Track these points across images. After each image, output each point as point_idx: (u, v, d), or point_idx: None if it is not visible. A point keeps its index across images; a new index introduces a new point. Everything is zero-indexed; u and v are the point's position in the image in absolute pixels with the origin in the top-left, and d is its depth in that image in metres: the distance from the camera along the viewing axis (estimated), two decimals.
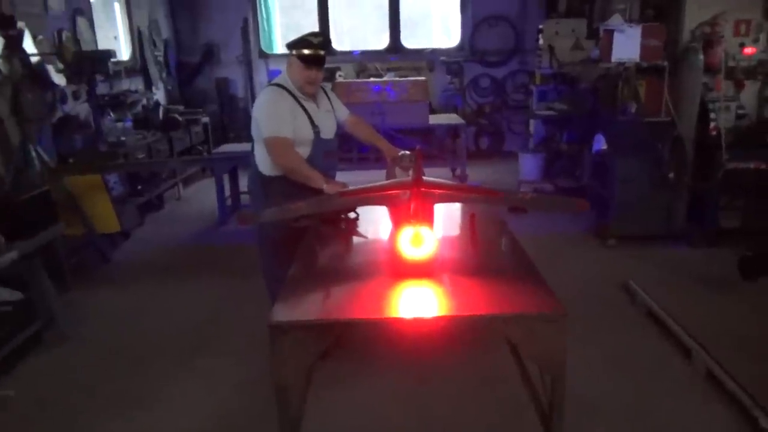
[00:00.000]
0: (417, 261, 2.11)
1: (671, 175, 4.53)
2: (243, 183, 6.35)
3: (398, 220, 2.22)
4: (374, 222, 2.98)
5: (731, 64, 4.57)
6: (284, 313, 1.90)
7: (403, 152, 3.00)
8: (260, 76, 8.55)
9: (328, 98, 3.09)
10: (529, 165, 6.85)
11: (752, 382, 2.68)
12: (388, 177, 3.09)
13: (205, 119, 7.71)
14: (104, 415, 2.78)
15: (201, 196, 7.07)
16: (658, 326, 3.39)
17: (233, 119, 8.63)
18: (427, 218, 2.06)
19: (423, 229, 2.07)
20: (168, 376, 3.11)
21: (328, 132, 3.00)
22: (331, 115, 3.06)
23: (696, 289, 3.90)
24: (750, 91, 4.73)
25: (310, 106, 2.91)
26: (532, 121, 7.45)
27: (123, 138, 5.55)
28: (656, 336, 3.31)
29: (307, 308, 1.95)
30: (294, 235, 2.89)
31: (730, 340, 3.13)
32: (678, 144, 4.49)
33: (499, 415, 2.67)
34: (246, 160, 6.02)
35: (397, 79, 6.90)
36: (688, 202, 4.70)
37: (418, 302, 2.00)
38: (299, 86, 2.86)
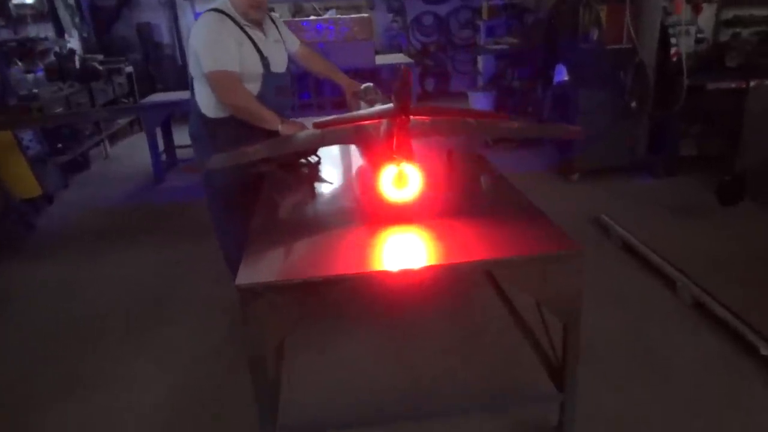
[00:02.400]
0: (401, 204, 1.83)
1: (633, 104, 4.39)
2: (177, 136, 5.83)
3: (375, 158, 1.92)
4: (335, 164, 2.67)
5: None
6: (255, 273, 1.58)
7: (366, 85, 2.67)
8: (187, 20, 7.84)
9: (276, 27, 2.69)
10: (479, 104, 6.61)
11: (741, 307, 2.58)
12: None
13: (129, 68, 7.02)
14: (54, 400, 2.43)
15: (131, 153, 6.48)
16: (637, 259, 3.27)
17: (160, 68, 7.93)
18: (411, 153, 1.76)
19: (408, 167, 1.78)
20: (120, 353, 2.74)
21: (279, 65, 2.61)
22: (281, 45, 2.67)
23: (666, 218, 3.81)
24: (707, 14, 4.60)
25: (256, 34, 2.51)
26: (480, 59, 7.17)
27: (35, 90, 4.91)
28: (636, 268, 3.19)
29: (282, 266, 1.64)
30: (248, 184, 2.55)
31: (711, 266, 3.03)
32: (640, 71, 4.33)
33: (490, 365, 2.48)
34: (181, 108, 5.61)
35: (340, 16, 6.41)
36: (649, 131, 4.59)
37: (410, 251, 1.73)
38: (243, 11, 2.44)
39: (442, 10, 8.40)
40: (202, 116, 2.55)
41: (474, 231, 1.76)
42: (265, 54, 2.51)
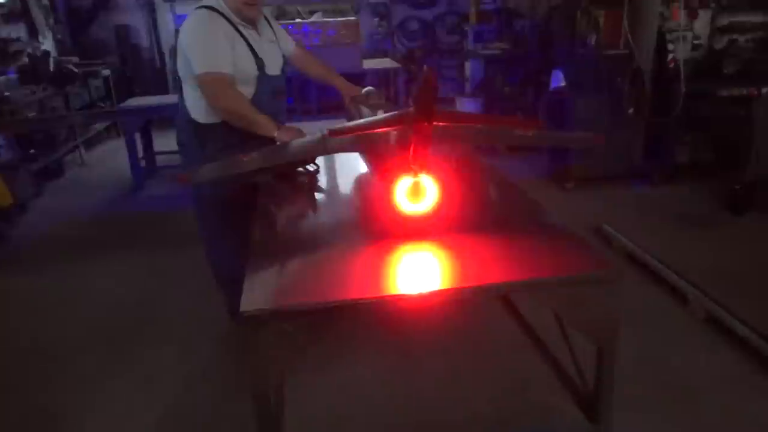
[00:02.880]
0: (416, 218, 1.67)
1: (631, 110, 4.30)
2: (158, 141, 5.60)
3: (386, 167, 1.75)
4: (335, 174, 2.51)
5: None
6: (261, 298, 1.41)
7: (367, 88, 2.51)
8: (166, 22, 7.61)
9: (271, 26, 2.52)
10: (468, 109, 6.48)
11: (756, 321, 2.47)
12: (349, 121, 2.59)
13: (106, 72, 6.74)
14: None
15: (108, 159, 6.22)
16: (642, 270, 3.15)
17: (138, 71, 7.67)
18: (430, 163, 1.60)
19: (425, 178, 1.62)
20: (97, 379, 2.52)
21: (274, 67, 2.44)
22: (276, 46, 2.50)
23: (669, 228, 3.71)
24: (703, 20, 4.54)
25: (250, 34, 2.33)
26: (467, 64, 7.07)
27: (7, 93, 4.64)
28: (642, 281, 3.07)
29: (291, 290, 1.46)
30: (242, 193, 2.38)
31: (720, 278, 2.92)
32: (637, 77, 4.24)
33: (504, 390, 2.32)
34: (161, 113, 5.37)
35: (327, 19, 6.25)
36: (645, 138, 4.51)
37: (431, 271, 1.56)
38: (236, 8, 2.26)
39: (428, 15, 8.30)
40: (192, 121, 2.36)
41: (500, 249, 1.60)
42: (260, 55, 2.34)
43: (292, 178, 2.31)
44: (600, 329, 1.53)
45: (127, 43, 7.65)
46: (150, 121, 5.37)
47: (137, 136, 5.12)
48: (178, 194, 4.80)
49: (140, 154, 5.25)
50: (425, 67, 1.42)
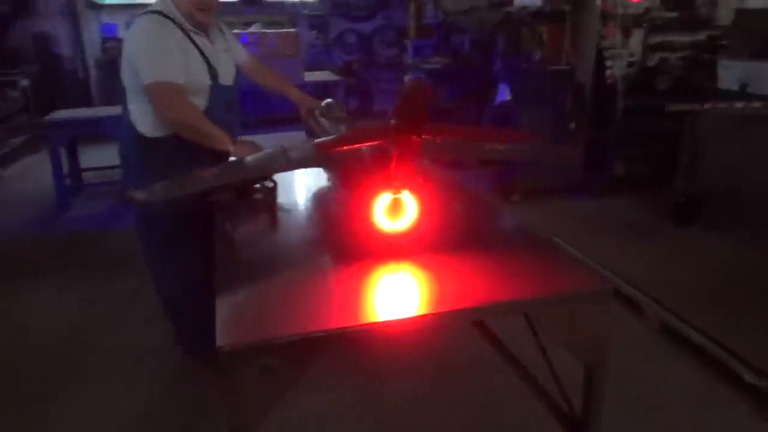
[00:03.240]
0: (395, 236, 1.58)
1: (573, 125, 4.40)
2: (84, 158, 5.24)
3: (361, 183, 1.65)
4: (294, 189, 2.38)
5: (619, 11, 4.51)
6: (240, 330, 1.27)
7: (327, 101, 2.40)
8: (91, 33, 7.20)
9: (223, 34, 2.37)
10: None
11: (710, 330, 2.53)
12: (308, 135, 2.48)
13: (24, 82, 6.28)
14: None
15: (27, 176, 5.76)
16: None
17: (59, 83, 7.20)
18: (413, 180, 1.51)
19: (406, 195, 1.53)
20: (27, 421, 2.26)
21: (228, 77, 2.30)
22: (229, 55, 2.35)
23: (615, 239, 3.79)
24: (636, 38, 4.73)
25: (202, 41, 2.18)
26: (407, 78, 7.09)
27: None
28: None
29: (273, 319, 1.32)
30: (192, 214, 2.21)
31: (671, 289, 2.99)
32: (579, 93, 4.35)
33: (474, 408, 2.26)
34: (89, 127, 5.03)
35: (266, 30, 6.09)
36: (586, 152, 4.62)
37: (419, 295, 1.47)
38: (188, 12, 2.11)
39: (366, 28, 8.28)
40: (138, 135, 2.18)
41: (488, 268, 1.53)
42: (213, 64, 2.19)
43: (250, 196, 2.17)
44: (590, 349, 1.49)
45: (48, 53, 7.17)
46: (76, 136, 5.02)
47: (62, 152, 4.77)
48: (111, 213, 4.51)
49: (65, 170, 4.88)
50: (409, 77, 1.34)
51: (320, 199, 2.23)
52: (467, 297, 1.39)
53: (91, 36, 7.25)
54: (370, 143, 1.44)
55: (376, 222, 1.56)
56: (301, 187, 2.42)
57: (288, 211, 2.10)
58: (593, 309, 1.44)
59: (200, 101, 2.16)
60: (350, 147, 1.42)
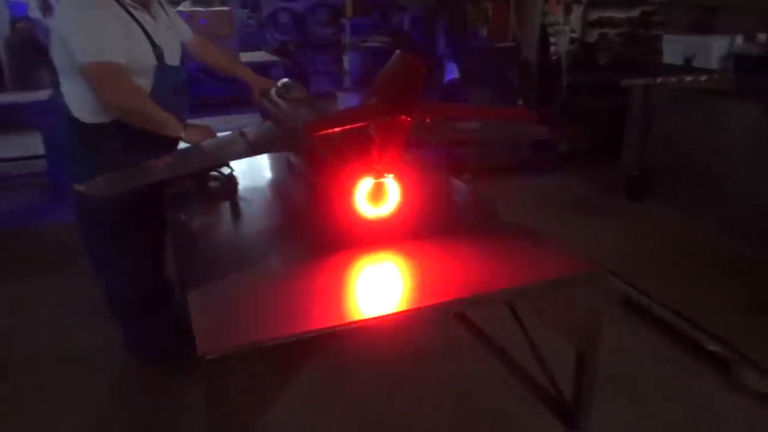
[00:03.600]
0: (376, 224, 1.49)
1: (520, 102, 4.40)
2: None
3: (334, 168, 1.53)
4: (253, 176, 2.23)
5: None
6: (223, 336, 1.13)
7: (284, 81, 2.25)
8: None
9: (164, 10, 2.16)
10: (349, 105, 6.36)
11: (668, 300, 2.58)
12: (263, 117, 2.31)
13: None
14: None
15: None
16: None
17: None
18: (399, 163, 1.41)
19: (389, 180, 1.44)
20: None
21: (174, 56, 2.10)
22: (173, 32, 2.15)
23: (569, 215, 3.82)
24: (575, 15, 4.77)
25: (144, 17, 1.98)
26: (346, 58, 6.92)
27: None
28: None
29: (257, 322, 1.20)
30: (146, 208, 2.04)
31: (628, 262, 3.03)
32: (525, 70, 4.35)
33: (449, 395, 2.20)
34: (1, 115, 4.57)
35: (197, 8, 5.76)
36: None
37: (407, 286, 1.37)
38: None
39: (299, 6, 8.00)
40: (75, 122, 1.96)
41: (477, 255, 1.46)
42: (157, 42, 1.99)
43: (205, 185, 2.01)
44: (584, 330, 1.45)
45: None
46: None
47: None
48: (29, 207, 4.16)
49: None
50: (398, 51, 1.23)
51: (285, 187, 2.09)
52: (462, 286, 1.32)
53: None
54: (363, 123, 1.31)
55: (355, 210, 1.45)
56: (258, 173, 2.27)
57: (248, 200, 1.96)
58: (588, 292, 1.40)
59: (145, 83, 1.96)
60: (342, 128, 1.29)
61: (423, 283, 1.36)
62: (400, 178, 1.43)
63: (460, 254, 1.45)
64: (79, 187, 1.44)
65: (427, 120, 1.25)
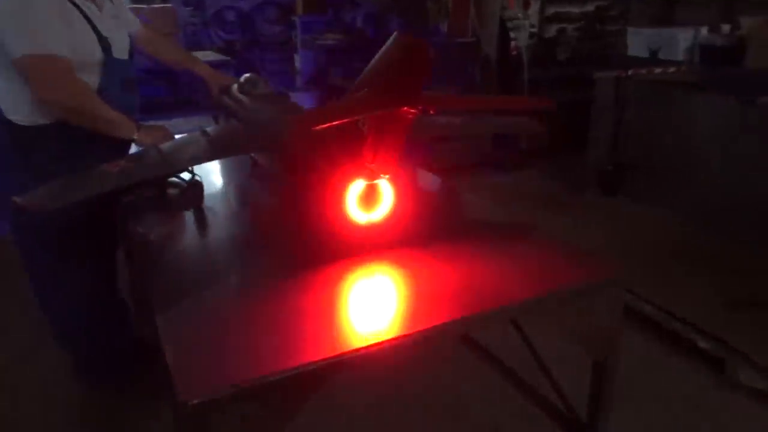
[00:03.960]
0: (365, 232, 1.33)
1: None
2: None
3: (317, 170, 1.36)
4: (216, 181, 2.04)
5: None
6: (206, 377, 0.95)
7: (247, 76, 2.05)
8: None
9: None
10: (302, 105, 6.15)
11: (651, 296, 2.52)
12: (225, 117, 2.11)
13: None
14: None
15: None
16: None
17: None
18: (396, 161, 1.25)
19: (383, 181, 1.28)
20: None
21: (122, 49, 1.87)
22: (121, 23, 1.92)
23: (539, 212, 3.73)
24: (533, 10, 4.72)
25: (87, 6, 1.74)
26: (297, 57, 6.71)
27: None
28: None
29: (245, 357, 1.01)
30: (94, 219, 1.81)
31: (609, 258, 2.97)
32: (486, 65, 4.27)
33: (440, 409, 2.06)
34: None
35: (138, 5, 5.42)
36: None
37: (411, 304, 1.21)
38: None
39: (246, 4, 7.71)
40: (9, 124, 1.71)
41: (481, 263, 1.31)
42: (104, 33, 1.76)
43: (165, 193, 1.80)
44: (601, 339, 1.33)
45: None
46: None
47: None
48: None
49: None
50: (396, 33, 1.07)
51: (253, 192, 1.90)
52: (467, 302, 1.16)
53: None
54: (361, 115, 1.14)
55: (345, 216, 1.29)
56: (219, 177, 2.08)
57: (213, 209, 1.76)
58: (608, 298, 1.28)
59: (91, 79, 1.73)
60: (343, 121, 1.11)
61: (424, 299, 1.20)
62: (395, 179, 1.27)
63: (461, 262, 1.31)
64: (18, 200, 1.22)
65: (431, 111, 1.10)
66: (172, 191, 1.82)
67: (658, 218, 3.09)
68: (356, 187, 1.24)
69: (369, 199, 1.28)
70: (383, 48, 1.12)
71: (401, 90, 1.06)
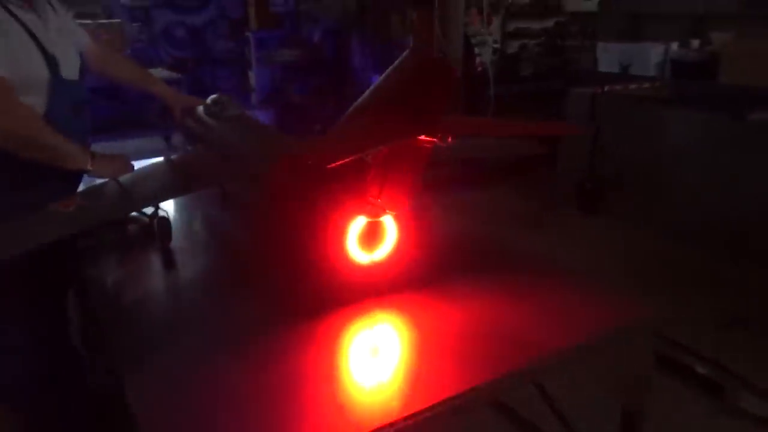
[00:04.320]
0: (369, 273, 1.16)
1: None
2: None
3: (312, 203, 1.19)
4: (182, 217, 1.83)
5: None
6: None
7: (215, 96, 1.88)
8: None
9: (54, 10, 1.72)
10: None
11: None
12: (189, 141, 1.92)
13: None
14: None
15: None
16: None
17: None
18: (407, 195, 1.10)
19: (388, 218, 1.12)
20: None
21: (71, 68, 1.66)
22: (69, 41, 1.71)
23: (514, 230, 3.64)
24: (495, 25, 4.69)
25: (30, 19, 1.53)
26: (252, 74, 6.50)
27: None
28: None
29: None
30: (43, 261, 1.58)
31: (593, 278, 2.88)
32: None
33: None
34: None
35: (85, 21, 5.12)
36: None
37: (422, 370, 1.05)
38: None
39: (197, 20, 7.46)
40: None
41: (499, 310, 1.17)
42: (50, 50, 1.55)
43: (125, 230, 1.59)
44: (630, 386, 1.20)
45: None
46: None
47: None
48: None
49: None
50: (411, 49, 0.92)
51: (227, 228, 1.70)
52: (487, 365, 1.01)
53: None
54: (375, 145, 0.97)
55: (345, 257, 1.12)
56: (185, 212, 1.87)
57: (181, 247, 1.56)
58: (638, 342, 1.15)
59: (36, 101, 1.52)
60: (359, 154, 0.93)
61: (441, 361, 1.04)
62: (402, 215, 1.12)
63: (473, 307, 1.16)
64: None
65: (449, 139, 0.95)
66: (131, 227, 1.62)
67: (637, 234, 3.04)
68: (357, 225, 1.08)
69: (371, 238, 1.12)
70: (393, 66, 0.97)
71: (419, 116, 0.91)
